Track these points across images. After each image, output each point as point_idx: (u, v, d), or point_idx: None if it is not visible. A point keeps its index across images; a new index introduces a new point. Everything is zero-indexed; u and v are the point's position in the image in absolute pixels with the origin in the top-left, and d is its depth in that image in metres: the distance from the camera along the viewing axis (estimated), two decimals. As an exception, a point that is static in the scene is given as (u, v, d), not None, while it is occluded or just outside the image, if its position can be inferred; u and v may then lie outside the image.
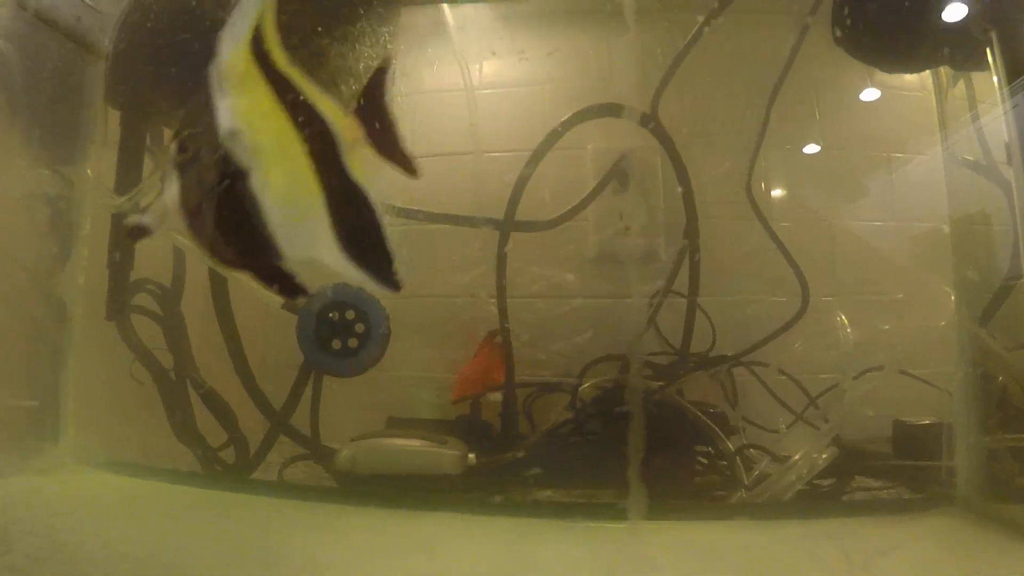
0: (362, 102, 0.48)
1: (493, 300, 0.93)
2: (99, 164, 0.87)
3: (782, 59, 0.92)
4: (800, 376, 0.91)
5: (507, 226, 0.92)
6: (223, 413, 0.87)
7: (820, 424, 0.81)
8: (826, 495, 0.75)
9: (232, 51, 0.47)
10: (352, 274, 0.47)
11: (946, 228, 0.82)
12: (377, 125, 0.48)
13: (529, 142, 0.93)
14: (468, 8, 1.06)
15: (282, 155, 0.46)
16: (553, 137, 0.92)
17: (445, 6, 1.02)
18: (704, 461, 0.82)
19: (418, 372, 1.00)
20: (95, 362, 0.91)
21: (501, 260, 0.92)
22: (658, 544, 0.63)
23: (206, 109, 0.46)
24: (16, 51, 0.83)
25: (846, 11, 0.82)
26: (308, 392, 0.87)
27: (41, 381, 0.89)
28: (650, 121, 0.88)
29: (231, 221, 0.47)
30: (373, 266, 0.47)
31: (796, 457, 0.74)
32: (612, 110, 0.91)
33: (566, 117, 0.91)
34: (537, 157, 0.92)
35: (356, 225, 0.47)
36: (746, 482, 0.75)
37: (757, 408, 0.90)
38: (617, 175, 1.01)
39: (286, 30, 0.47)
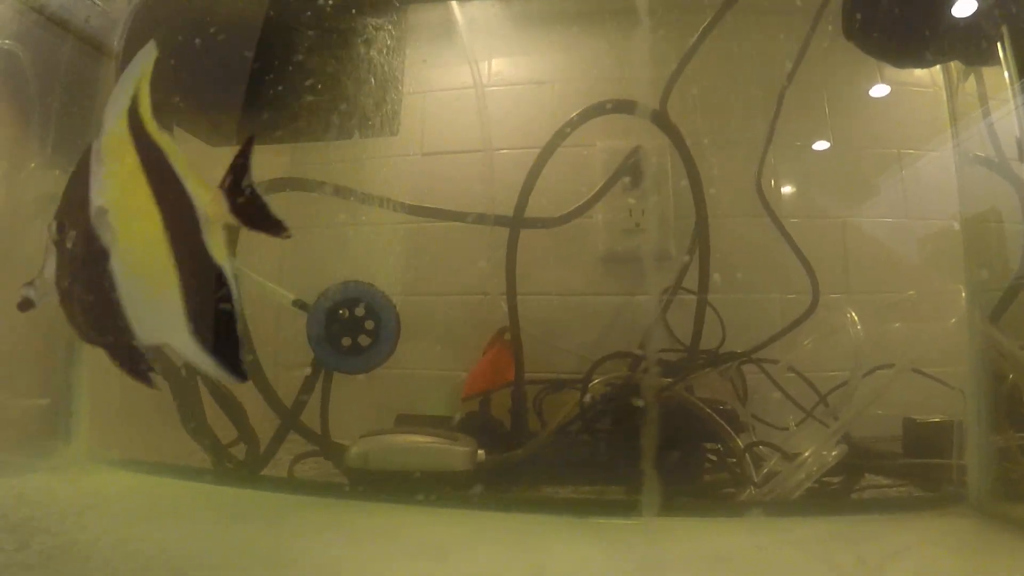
0: (229, 176, 0.48)
1: (503, 297, 0.93)
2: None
3: (792, 55, 0.92)
4: (810, 373, 0.91)
5: (517, 223, 0.92)
6: (234, 410, 0.87)
7: (830, 422, 0.81)
8: (836, 493, 0.75)
9: (112, 121, 0.48)
10: (201, 360, 0.46)
11: (957, 225, 0.82)
12: (242, 199, 0.47)
13: (538, 139, 0.93)
14: (476, 6, 1.07)
15: (141, 234, 0.46)
16: (564, 133, 0.91)
17: (454, 4, 1.02)
18: (713, 458, 0.82)
19: (428, 369, 1.00)
20: (107, 361, 0.92)
21: (511, 257, 0.92)
22: (669, 541, 0.63)
23: (84, 185, 0.47)
24: (28, 53, 0.84)
25: (856, 6, 0.82)
26: (317, 389, 0.87)
27: (53, 380, 0.89)
28: (660, 118, 0.88)
29: (91, 300, 0.48)
30: (221, 352, 0.46)
31: (806, 455, 0.73)
32: (624, 107, 0.91)
33: (577, 112, 0.91)
34: (547, 153, 0.91)
35: (209, 308, 0.46)
36: (756, 479, 0.74)
37: (767, 405, 0.90)
38: (627, 172, 1.01)
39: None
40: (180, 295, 0.45)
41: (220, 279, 0.46)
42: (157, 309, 0.46)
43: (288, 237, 0.48)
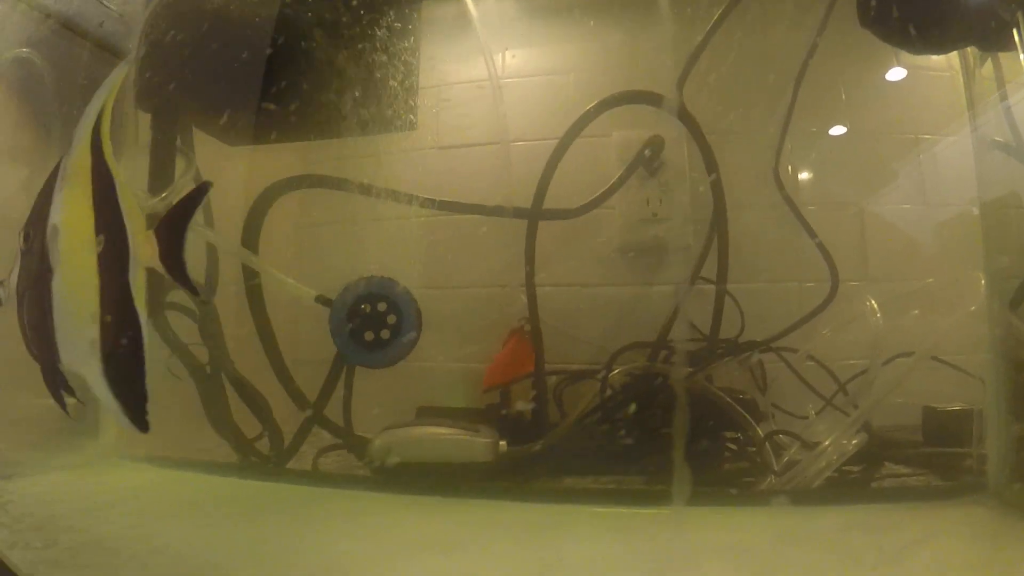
0: (166, 220, 0.47)
1: (521, 289, 0.93)
2: (132, 166, 0.88)
3: (807, 43, 0.92)
4: (829, 362, 0.90)
5: (535, 215, 0.92)
6: (258, 405, 0.88)
7: (849, 410, 0.81)
8: (855, 482, 0.75)
9: (78, 139, 0.47)
10: (108, 401, 0.45)
11: (976, 211, 0.81)
12: (172, 247, 0.47)
13: (553, 130, 0.93)
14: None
15: (78, 260, 0.45)
16: (581, 124, 0.92)
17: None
18: (734, 447, 0.82)
19: (448, 362, 1.01)
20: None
21: (529, 249, 0.93)
22: (691, 530, 0.63)
23: (47, 201, 0.47)
24: (45, 61, 0.85)
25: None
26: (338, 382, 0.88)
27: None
28: (676, 107, 0.88)
29: (33, 315, 0.47)
30: (127, 401, 0.45)
31: (826, 443, 0.73)
32: (641, 97, 0.91)
33: (594, 103, 0.91)
34: (565, 145, 0.92)
35: (121, 352, 0.45)
36: (776, 468, 0.75)
37: (786, 394, 0.90)
38: (644, 162, 1.01)
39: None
40: (98, 332, 0.44)
41: (136, 325, 0.45)
42: (78, 339, 0.45)
43: (204, 303, 0.48)
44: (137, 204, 0.47)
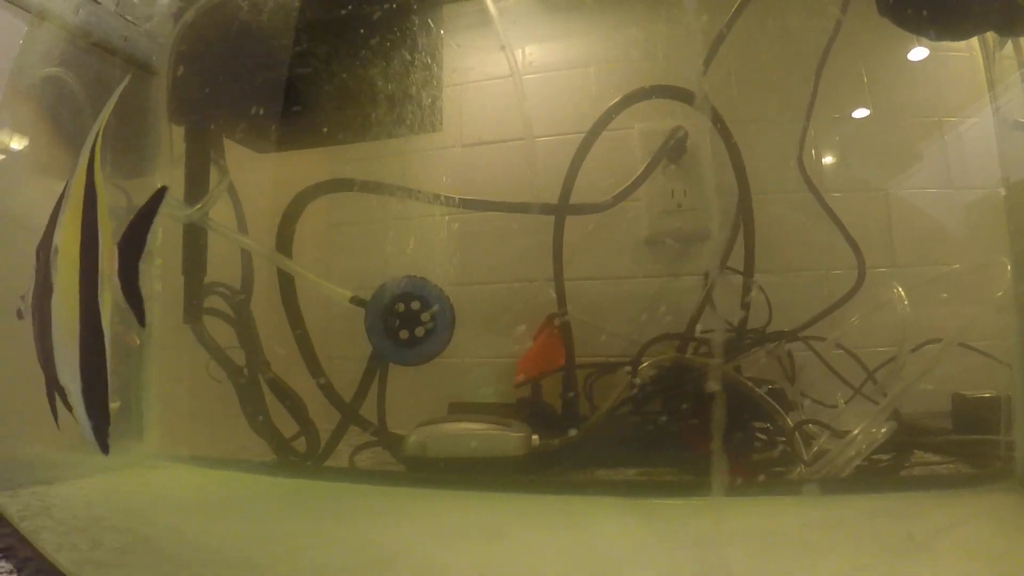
0: (127, 232, 0.46)
1: (550, 283, 0.94)
2: (168, 179, 0.90)
3: (828, 28, 0.91)
4: (857, 350, 0.90)
5: (561, 210, 0.93)
6: (294, 405, 0.90)
7: (878, 398, 0.80)
8: (885, 470, 0.75)
9: (80, 160, 0.46)
10: (83, 420, 0.45)
11: (1003, 191, 0.81)
12: (129, 261, 0.45)
13: (577, 124, 0.94)
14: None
15: (67, 279, 0.45)
16: (607, 118, 0.92)
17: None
18: (763, 437, 0.82)
19: (478, 357, 1.02)
20: (174, 363, 0.95)
21: (557, 244, 0.93)
22: (729, 520, 0.63)
23: (54, 222, 0.48)
24: (76, 78, 0.86)
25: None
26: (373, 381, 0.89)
27: (124, 384, 0.93)
28: (699, 99, 0.88)
29: (39, 331, 0.48)
30: (96, 421, 0.45)
31: (855, 432, 0.73)
32: (666, 91, 0.92)
33: (622, 96, 0.92)
34: (591, 139, 0.92)
35: (93, 370, 0.44)
36: (806, 458, 0.75)
37: (815, 383, 0.90)
38: (668, 153, 1.01)
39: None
40: (78, 350, 0.44)
41: (100, 344, 0.44)
42: (69, 357, 0.45)
43: (142, 327, 0.48)
44: (108, 219, 0.46)
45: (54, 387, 0.48)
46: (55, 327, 0.46)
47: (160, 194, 0.49)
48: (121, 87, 0.51)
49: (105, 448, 0.46)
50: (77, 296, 0.44)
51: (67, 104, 0.86)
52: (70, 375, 0.45)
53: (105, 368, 0.44)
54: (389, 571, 0.56)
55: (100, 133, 0.47)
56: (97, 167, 0.46)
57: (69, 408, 0.47)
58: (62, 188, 0.49)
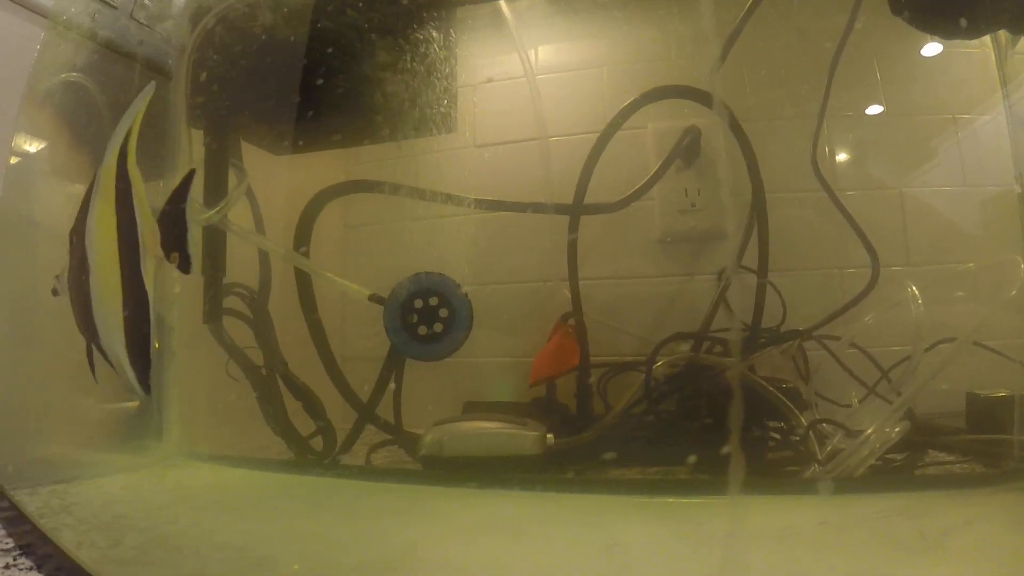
0: (164, 213, 0.53)
1: (565, 283, 0.95)
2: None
3: (840, 27, 0.91)
4: (871, 349, 0.90)
5: (575, 210, 0.93)
6: (312, 404, 0.91)
7: (892, 398, 0.81)
8: (898, 470, 0.75)
9: (109, 153, 0.54)
10: (126, 371, 0.53)
11: (1017, 188, 0.81)
12: (172, 232, 0.53)
13: (591, 124, 0.94)
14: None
15: (105, 257, 0.53)
16: (621, 119, 0.92)
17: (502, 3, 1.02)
18: (777, 437, 0.82)
19: (492, 357, 1.02)
20: (194, 363, 0.96)
21: (572, 244, 0.93)
22: (746, 518, 0.64)
23: (86, 208, 0.55)
24: (95, 83, 0.87)
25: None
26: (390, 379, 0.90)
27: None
28: (711, 98, 0.88)
29: (78, 304, 0.56)
30: (138, 367, 0.53)
31: (869, 431, 0.73)
32: (681, 92, 0.92)
33: (639, 95, 0.92)
34: (605, 139, 0.92)
35: (137, 329, 0.52)
36: (820, 457, 0.75)
37: (829, 382, 0.90)
38: (681, 152, 1.01)
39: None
40: (121, 315, 0.52)
41: (145, 304, 0.52)
42: (111, 321, 0.53)
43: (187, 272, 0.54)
44: (147, 204, 0.53)
45: (95, 348, 0.56)
46: (95, 299, 0.53)
47: (191, 175, 0.57)
48: (149, 93, 0.57)
49: (147, 389, 0.53)
50: (118, 268, 0.52)
51: (85, 109, 0.87)
52: (114, 337, 0.52)
53: (149, 325, 0.52)
54: (407, 568, 0.56)
55: (133, 131, 0.54)
56: (131, 160, 0.53)
57: (111, 364, 0.54)
58: (85, 187, 0.57)
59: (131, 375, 0.52)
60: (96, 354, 0.57)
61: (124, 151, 0.53)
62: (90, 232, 0.54)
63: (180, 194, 0.55)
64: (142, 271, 0.52)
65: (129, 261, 0.52)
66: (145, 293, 0.52)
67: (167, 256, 0.53)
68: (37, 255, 0.74)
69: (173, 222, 0.53)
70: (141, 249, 0.52)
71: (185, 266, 0.54)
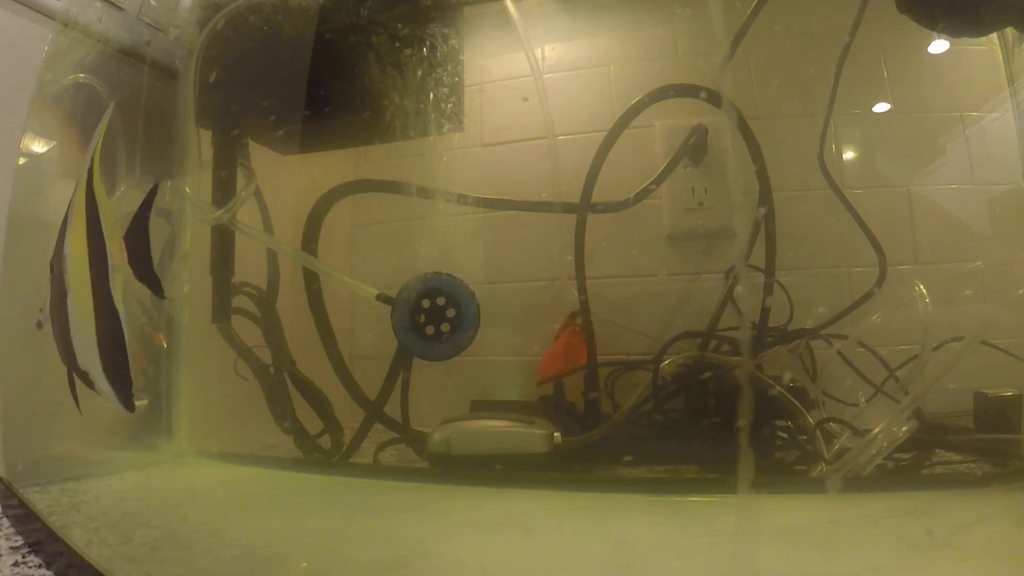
0: (129, 229, 0.54)
1: (573, 282, 0.95)
2: (196, 182, 0.92)
3: (847, 25, 0.91)
4: (879, 347, 0.89)
5: (583, 209, 0.93)
6: (319, 403, 0.91)
7: (900, 397, 0.80)
8: (906, 469, 0.75)
9: (80, 178, 0.54)
10: (107, 391, 0.52)
11: (1025, 186, 0.81)
12: (136, 250, 0.53)
13: (598, 123, 0.94)
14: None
15: (79, 279, 0.52)
16: (629, 117, 0.92)
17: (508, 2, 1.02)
18: (784, 436, 0.82)
19: (500, 356, 1.02)
20: (203, 362, 0.97)
21: (579, 243, 0.94)
22: (747, 517, 0.64)
23: (63, 234, 0.55)
24: (105, 84, 0.88)
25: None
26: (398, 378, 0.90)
27: (154, 382, 0.94)
28: (718, 96, 0.88)
29: (59, 330, 0.55)
30: (118, 387, 0.51)
31: (876, 431, 0.73)
32: (688, 90, 0.92)
33: (645, 94, 0.92)
34: (613, 137, 0.92)
35: (111, 348, 0.51)
36: (827, 457, 0.75)
37: (836, 381, 0.90)
38: (688, 151, 1.01)
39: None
40: (95, 334, 0.51)
41: (117, 323, 0.51)
42: (87, 343, 0.52)
43: (162, 298, 0.55)
44: (112, 220, 0.53)
45: (76, 375, 0.54)
46: (72, 320, 0.53)
47: (152, 192, 0.58)
48: (111, 109, 0.59)
49: (131, 407, 0.52)
50: (90, 287, 0.52)
51: (94, 109, 0.87)
52: (90, 357, 0.52)
53: (123, 342, 0.51)
54: (415, 565, 0.57)
55: (96, 149, 0.54)
56: (96, 180, 0.54)
57: (92, 387, 0.53)
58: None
59: (112, 395, 0.52)
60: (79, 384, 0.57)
61: (90, 172, 0.54)
62: (67, 256, 0.54)
63: (142, 213, 0.55)
64: (111, 287, 0.51)
65: (100, 279, 0.52)
66: (116, 311, 0.51)
67: (135, 274, 0.53)
68: (47, 255, 0.74)
69: (139, 241, 0.54)
70: (111, 268, 0.52)
71: (158, 290, 0.56)
